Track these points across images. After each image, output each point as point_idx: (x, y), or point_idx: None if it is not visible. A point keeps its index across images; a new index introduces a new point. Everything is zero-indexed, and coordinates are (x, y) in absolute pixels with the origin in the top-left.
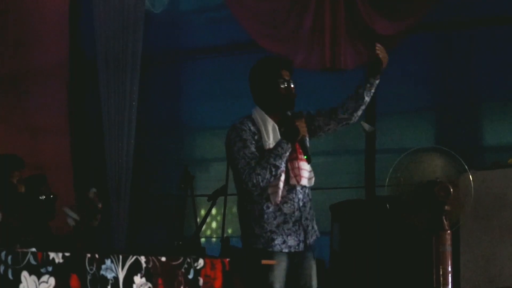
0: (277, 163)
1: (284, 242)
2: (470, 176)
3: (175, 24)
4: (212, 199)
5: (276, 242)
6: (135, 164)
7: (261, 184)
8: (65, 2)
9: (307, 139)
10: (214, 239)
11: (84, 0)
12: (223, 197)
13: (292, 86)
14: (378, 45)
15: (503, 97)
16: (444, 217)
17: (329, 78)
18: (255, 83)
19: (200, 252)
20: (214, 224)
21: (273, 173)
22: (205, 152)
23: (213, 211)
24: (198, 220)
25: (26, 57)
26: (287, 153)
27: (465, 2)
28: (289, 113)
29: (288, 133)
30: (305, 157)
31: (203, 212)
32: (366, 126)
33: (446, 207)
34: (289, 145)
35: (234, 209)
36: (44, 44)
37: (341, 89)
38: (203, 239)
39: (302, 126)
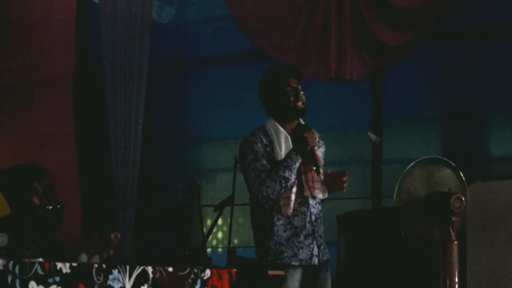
0: (287, 175)
1: (295, 255)
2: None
3: (181, 34)
4: (219, 209)
5: (285, 254)
6: (141, 173)
7: (271, 196)
8: (72, 12)
9: (322, 151)
10: (220, 249)
11: (91, 10)
12: (229, 207)
13: (301, 93)
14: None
15: (510, 108)
16: (451, 227)
17: (333, 89)
18: (265, 95)
19: (206, 262)
20: (220, 234)
21: (283, 185)
22: (211, 162)
23: (219, 221)
24: (204, 230)
25: (33, 67)
26: (297, 165)
27: (472, 13)
28: (302, 122)
29: (297, 145)
30: (314, 168)
31: (209, 222)
32: (373, 136)
33: (453, 218)
34: (299, 157)
35: (240, 220)
36: (51, 54)
37: (345, 99)
38: (209, 249)
39: (310, 137)
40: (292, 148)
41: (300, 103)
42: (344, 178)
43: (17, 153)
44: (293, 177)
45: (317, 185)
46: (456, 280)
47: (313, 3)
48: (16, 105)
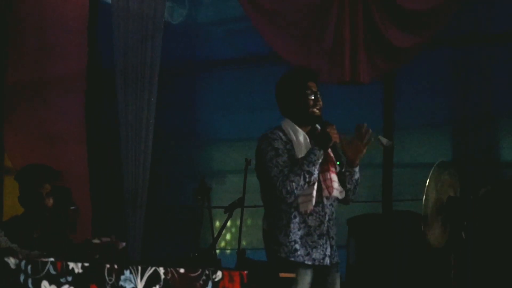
0: (311, 170)
1: (308, 254)
2: None
3: (193, 35)
4: (229, 211)
5: (299, 253)
6: (152, 174)
7: (295, 191)
8: (84, 12)
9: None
10: (228, 251)
11: (103, 10)
12: (238, 209)
13: (319, 97)
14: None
15: None
16: (463, 232)
17: (344, 92)
18: (283, 95)
19: (216, 264)
20: (228, 236)
21: (307, 179)
22: (221, 164)
23: (228, 223)
24: (214, 231)
25: (45, 66)
26: (320, 160)
27: (484, 17)
28: (318, 126)
29: (320, 140)
30: (337, 163)
31: (217, 224)
32: (384, 140)
33: (465, 222)
34: (322, 152)
35: (249, 222)
36: (62, 54)
37: (357, 102)
38: (217, 251)
39: (333, 133)
40: (315, 143)
41: (317, 109)
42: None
43: (28, 152)
44: (316, 172)
45: (335, 184)
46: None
47: (327, 7)
48: (27, 104)
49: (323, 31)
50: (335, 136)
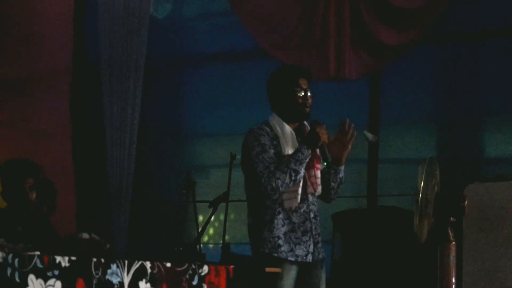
0: (297, 168)
1: (292, 250)
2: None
3: (178, 30)
4: (214, 206)
5: (282, 248)
6: (137, 169)
7: (280, 188)
8: (70, 6)
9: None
10: (211, 245)
11: (88, 5)
12: (222, 204)
13: (309, 95)
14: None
15: (506, 109)
16: (449, 228)
17: (330, 87)
18: (273, 90)
19: (201, 258)
20: (211, 231)
21: (293, 178)
22: (205, 158)
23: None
24: (198, 226)
25: (30, 61)
26: (307, 159)
27: (471, 14)
28: (306, 123)
29: (309, 139)
30: (325, 164)
31: (201, 218)
32: (369, 135)
33: (451, 218)
34: (309, 151)
35: (232, 216)
36: (47, 48)
37: (342, 98)
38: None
39: (323, 133)
40: (303, 142)
41: (306, 108)
42: (345, 127)
43: (12, 148)
44: (302, 171)
45: (319, 181)
46: (454, 281)
47: (314, 3)
48: (12, 100)
49: (310, 27)
50: (324, 137)
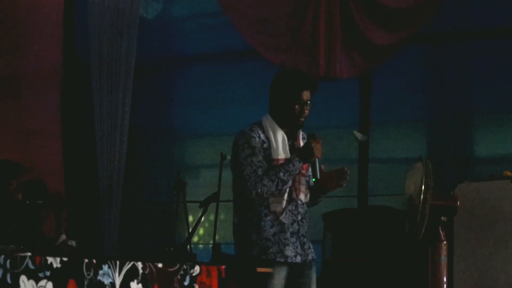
0: (285, 179)
1: (281, 251)
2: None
3: (167, 30)
4: (204, 206)
5: (271, 250)
6: (127, 170)
7: (264, 195)
8: (60, 6)
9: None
10: (201, 246)
11: (78, 5)
12: (213, 204)
13: (307, 107)
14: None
15: (495, 109)
16: (440, 227)
17: (320, 87)
18: (274, 94)
19: (191, 258)
20: (201, 231)
21: (279, 187)
22: (195, 159)
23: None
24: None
25: (20, 61)
26: (297, 172)
27: (461, 15)
28: (301, 132)
29: (303, 153)
30: (313, 180)
31: (191, 218)
32: (359, 135)
33: (442, 217)
34: (301, 164)
35: (222, 216)
36: (38, 48)
37: (333, 98)
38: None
39: (317, 148)
40: (296, 154)
41: (301, 118)
42: (344, 175)
43: (2, 148)
44: (290, 183)
45: (302, 188)
46: (445, 280)
47: (304, 3)
48: (1, 100)
49: (300, 27)
50: (318, 152)
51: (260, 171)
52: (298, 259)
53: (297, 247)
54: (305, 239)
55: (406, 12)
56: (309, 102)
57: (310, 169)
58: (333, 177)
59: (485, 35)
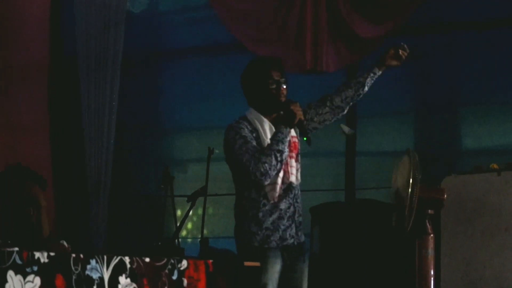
0: (280, 148)
1: (280, 237)
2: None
3: (154, 24)
4: (192, 200)
5: (272, 238)
6: (114, 164)
7: (269, 172)
8: (46, 0)
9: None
10: (189, 240)
11: None
12: (201, 198)
13: (283, 86)
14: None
15: (483, 101)
16: (427, 220)
17: (306, 80)
18: (247, 85)
19: (180, 253)
20: (189, 225)
21: (278, 158)
22: (183, 153)
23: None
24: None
25: (6, 55)
26: (288, 138)
27: (446, 7)
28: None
29: (285, 118)
30: (304, 138)
31: (179, 212)
32: (346, 129)
33: (429, 210)
34: (288, 129)
35: (211, 210)
36: (24, 42)
37: (321, 91)
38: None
39: (297, 110)
40: (280, 122)
41: (281, 98)
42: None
43: None
44: (286, 150)
45: (293, 170)
46: (432, 273)
47: None
48: None
49: (286, 20)
50: (299, 113)
51: (257, 155)
52: (294, 242)
53: (292, 229)
54: (300, 218)
55: (393, 4)
56: (283, 80)
57: (299, 147)
58: (396, 53)
59: (472, 27)
